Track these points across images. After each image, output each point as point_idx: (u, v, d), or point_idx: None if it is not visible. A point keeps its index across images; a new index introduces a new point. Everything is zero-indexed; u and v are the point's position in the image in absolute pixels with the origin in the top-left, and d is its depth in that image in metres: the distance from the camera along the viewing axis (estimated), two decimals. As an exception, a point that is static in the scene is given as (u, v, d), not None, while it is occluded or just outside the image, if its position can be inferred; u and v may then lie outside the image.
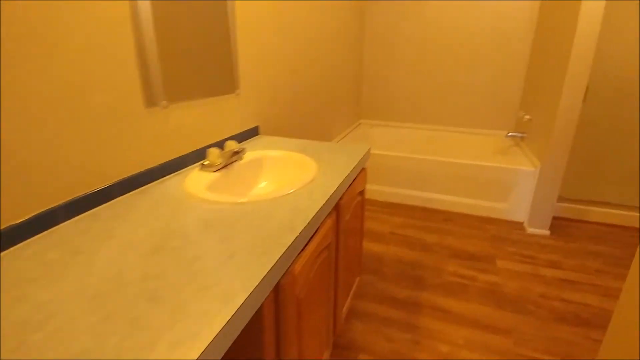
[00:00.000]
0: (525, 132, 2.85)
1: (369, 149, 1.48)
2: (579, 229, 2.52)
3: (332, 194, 1.03)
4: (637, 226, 2.53)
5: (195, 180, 1.06)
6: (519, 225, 2.53)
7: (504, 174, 2.50)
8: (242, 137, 1.51)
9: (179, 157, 1.17)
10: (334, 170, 1.20)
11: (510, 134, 2.90)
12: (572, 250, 2.26)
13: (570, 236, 2.42)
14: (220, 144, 1.34)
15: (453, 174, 2.61)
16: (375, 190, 2.85)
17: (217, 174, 1.12)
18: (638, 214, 2.51)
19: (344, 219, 1.21)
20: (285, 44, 1.84)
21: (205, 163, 1.13)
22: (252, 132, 1.60)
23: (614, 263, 2.13)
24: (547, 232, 2.43)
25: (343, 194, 1.19)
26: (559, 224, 2.55)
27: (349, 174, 1.19)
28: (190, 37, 1.14)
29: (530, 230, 2.45)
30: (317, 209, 0.91)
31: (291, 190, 1.01)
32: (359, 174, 1.41)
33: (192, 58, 1.16)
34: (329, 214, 1.06)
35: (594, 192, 2.59)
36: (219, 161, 1.13)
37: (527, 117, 2.74)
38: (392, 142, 3.45)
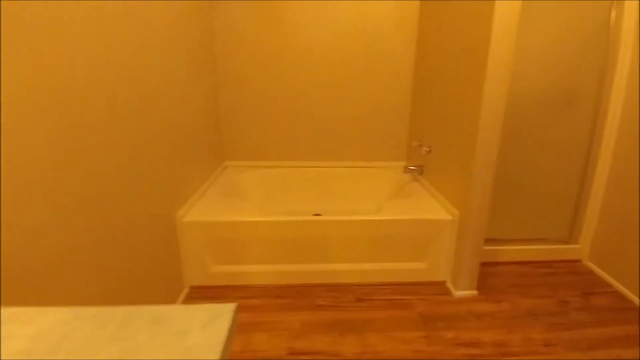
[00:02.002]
0: (423, 164, 2.41)
1: (235, 311, 0.64)
2: (498, 276, 2.16)
3: None
4: (547, 259, 2.32)
5: None
6: (443, 288, 2.03)
7: (418, 227, 1.95)
8: None
9: None
10: None
11: (409, 167, 2.42)
12: (508, 314, 1.84)
13: (497, 291, 2.02)
14: None
15: (356, 235, 1.95)
16: (254, 272, 1.98)
17: None
18: (545, 247, 2.29)
19: None
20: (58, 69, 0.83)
21: None
22: None
23: (556, 325, 1.77)
24: (476, 292, 1.99)
25: None
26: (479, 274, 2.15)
27: None
28: None
29: (458, 294, 1.96)
30: None
31: None
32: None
33: None
34: None
35: (497, 230, 2.28)
36: None
37: (426, 148, 2.29)
38: (268, 191, 2.64)
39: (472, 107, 1.75)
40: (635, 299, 1.94)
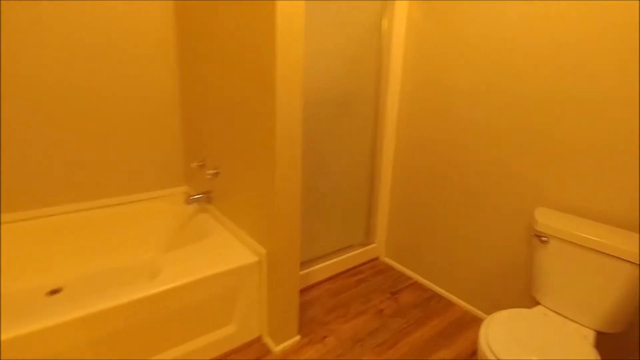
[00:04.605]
0: (211, 189, 1.88)
1: None
2: (315, 304, 1.90)
3: None
4: (353, 265, 2.25)
5: None
6: (260, 347, 1.57)
7: (219, 283, 1.42)
8: None
9: None
10: None
11: (192, 197, 1.83)
12: (336, 352, 1.58)
13: (318, 324, 1.74)
14: None
15: (123, 325, 1.23)
16: None
17: None
18: (349, 254, 2.21)
19: None
20: None
21: None
22: None
23: (382, 345, 1.63)
24: (298, 337, 1.63)
25: None
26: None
27: None
28: None
29: (279, 348, 1.56)
30: None
31: None
32: None
33: None
34: None
35: (305, 251, 2.05)
36: None
37: (211, 171, 1.77)
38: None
39: (264, 117, 1.34)
40: (430, 285, 2.07)
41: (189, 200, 1.83)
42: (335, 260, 2.13)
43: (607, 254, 1.21)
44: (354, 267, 2.25)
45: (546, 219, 1.37)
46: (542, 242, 1.37)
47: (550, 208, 1.50)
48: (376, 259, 2.36)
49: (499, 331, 1.21)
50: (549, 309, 1.39)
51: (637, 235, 1.25)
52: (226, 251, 1.53)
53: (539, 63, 1.46)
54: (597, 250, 1.23)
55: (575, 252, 1.29)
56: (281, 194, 1.36)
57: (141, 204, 1.96)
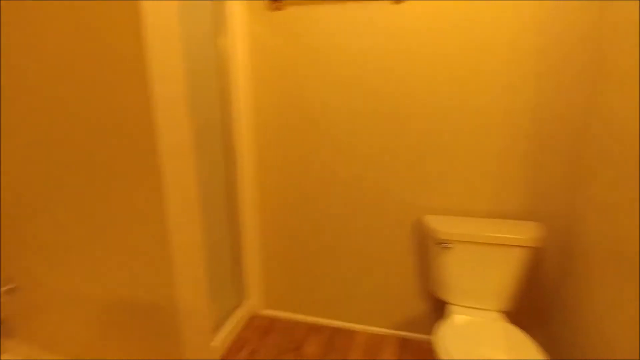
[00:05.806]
0: (2, 318, 1.06)
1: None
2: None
3: None
4: (234, 337, 1.81)
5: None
6: None
7: None
8: None
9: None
10: None
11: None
12: None
13: None
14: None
15: None
16: None
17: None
18: (227, 329, 1.77)
19: None
20: None
21: None
22: None
23: None
24: None
25: None
26: None
27: None
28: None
29: None
30: None
31: None
32: None
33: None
34: None
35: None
36: None
37: (6, 287, 0.99)
38: None
39: (128, 172, 0.83)
40: (323, 321, 1.93)
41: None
42: (216, 342, 1.65)
43: (502, 244, 1.40)
44: (237, 339, 1.82)
45: (445, 227, 1.46)
46: (447, 248, 1.46)
47: (431, 214, 1.61)
48: (255, 316, 1.99)
49: (454, 342, 1.22)
50: (461, 306, 1.50)
51: (515, 221, 1.48)
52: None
53: (399, 73, 1.51)
54: (493, 244, 1.40)
55: (475, 250, 1.43)
56: (183, 294, 0.88)
57: None
